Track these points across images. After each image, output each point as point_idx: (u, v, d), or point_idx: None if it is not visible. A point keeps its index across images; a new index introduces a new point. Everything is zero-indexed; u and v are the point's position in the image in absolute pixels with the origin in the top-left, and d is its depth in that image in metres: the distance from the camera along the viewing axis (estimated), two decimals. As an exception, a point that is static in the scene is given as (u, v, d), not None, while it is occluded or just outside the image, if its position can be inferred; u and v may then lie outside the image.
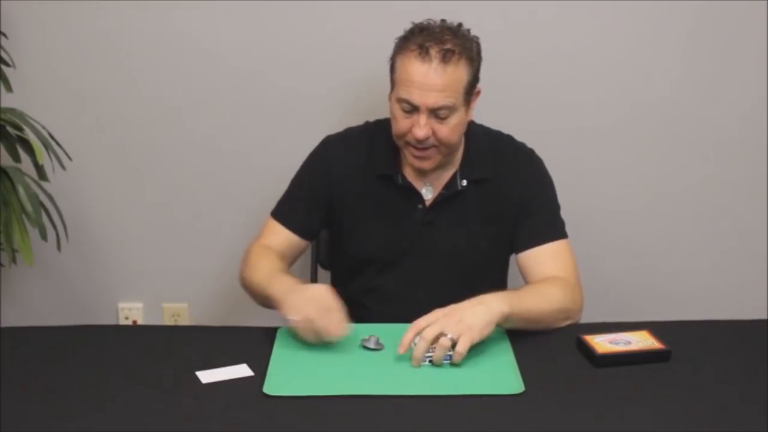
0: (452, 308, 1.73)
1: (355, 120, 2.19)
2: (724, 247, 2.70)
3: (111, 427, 1.53)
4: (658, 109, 2.59)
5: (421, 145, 1.94)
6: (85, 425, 1.53)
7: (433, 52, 1.88)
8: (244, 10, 2.50)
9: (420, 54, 1.88)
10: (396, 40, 1.96)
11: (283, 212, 2.11)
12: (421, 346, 1.69)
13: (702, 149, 2.62)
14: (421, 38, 1.90)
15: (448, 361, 1.69)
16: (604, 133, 2.61)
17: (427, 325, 1.70)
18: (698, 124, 2.60)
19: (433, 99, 1.89)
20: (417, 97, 1.89)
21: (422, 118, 1.91)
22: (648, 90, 2.57)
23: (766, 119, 2.58)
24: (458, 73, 1.90)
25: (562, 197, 2.10)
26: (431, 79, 1.88)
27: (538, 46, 2.52)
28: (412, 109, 1.91)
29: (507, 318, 1.76)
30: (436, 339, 1.69)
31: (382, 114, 2.05)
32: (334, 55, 2.53)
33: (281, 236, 2.08)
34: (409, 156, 1.99)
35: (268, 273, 1.93)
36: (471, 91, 1.95)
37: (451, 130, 1.93)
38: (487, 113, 2.14)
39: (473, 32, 1.98)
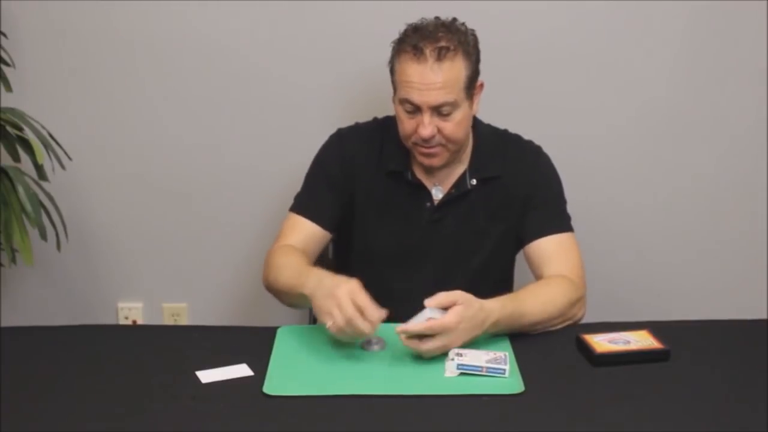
0: (458, 326, 1.69)
1: (359, 119, 2.19)
2: (724, 247, 2.70)
3: (111, 427, 1.52)
4: (659, 110, 2.59)
5: (427, 144, 1.95)
6: (85, 425, 1.53)
7: (428, 51, 1.89)
8: (245, 8, 2.49)
9: (415, 54, 1.89)
10: (392, 44, 1.97)
11: (304, 205, 2.08)
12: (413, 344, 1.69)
13: (702, 149, 2.62)
14: (415, 38, 1.91)
15: (460, 371, 1.67)
16: (606, 133, 2.61)
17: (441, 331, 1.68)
18: (699, 123, 2.60)
19: (434, 97, 1.90)
20: (417, 97, 1.90)
21: (426, 117, 1.92)
22: (649, 90, 2.57)
23: (766, 119, 2.58)
24: (455, 69, 1.90)
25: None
26: (429, 78, 1.89)
27: (544, 46, 2.52)
28: (415, 109, 1.93)
29: (495, 324, 1.76)
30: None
31: (389, 111, 2.05)
32: (338, 53, 2.53)
33: (304, 230, 2.06)
34: (418, 155, 2.00)
35: (295, 270, 1.90)
36: (472, 85, 1.96)
37: (456, 126, 1.94)
38: (494, 114, 2.15)
39: (478, 33, 1.98)
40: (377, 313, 1.71)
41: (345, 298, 1.71)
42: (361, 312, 1.69)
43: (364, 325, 1.70)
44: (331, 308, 1.72)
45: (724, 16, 2.50)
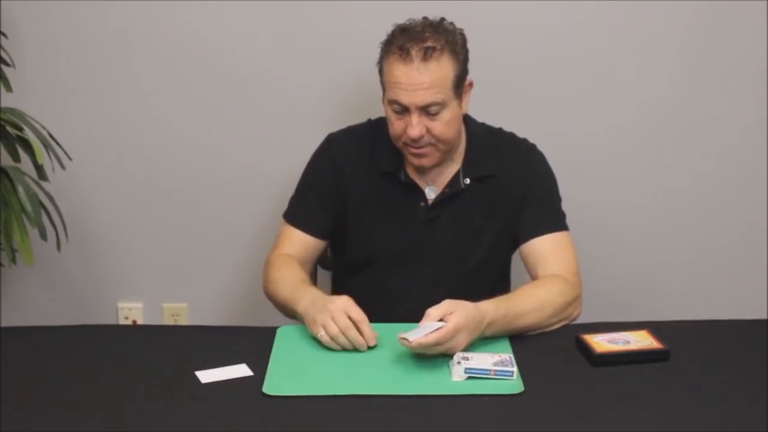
0: (466, 326, 1.69)
1: (357, 118, 2.19)
2: (724, 247, 2.70)
3: (111, 427, 1.53)
4: (658, 109, 2.58)
5: (417, 144, 1.95)
6: (84, 425, 1.53)
7: (414, 52, 1.89)
8: (243, 8, 2.49)
9: (401, 56, 1.90)
10: (380, 45, 1.97)
11: (296, 215, 2.12)
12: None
13: (702, 149, 2.62)
14: (402, 39, 1.92)
15: (468, 375, 1.66)
16: (605, 132, 2.60)
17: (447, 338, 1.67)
18: (699, 123, 2.60)
19: (421, 97, 1.90)
20: (405, 98, 1.91)
21: (414, 118, 1.92)
22: (649, 90, 2.57)
23: (766, 119, 2.58)
24: (442, 68, 1.91)
25: (561, 195, 2.10)
26: (415, 78, 1.89)
27: (543, 46, 2.52)
28: (403, 109, 1.93)
29: (490, 325, 1.76)
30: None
31: (383, 112, 2.06)
32: (335, 53, 2.53)
33: (298, 240, 2.09)
34: (408, 155, 2.00)
35: (291, 286, 1.94)
36: (460, 84, 1.96)
37: (444, 125, 1.94)
38: (492, 114, 2.15)
39: (475, 32, 1.98)
40: (369, 330, 1.76)
41: (339, 310, 1.75)
42: (356, 325, 1.75)
43: (358, 336, 1.74)
44: (325, 320, 1.75)
45: (724, 16, 2.50)
